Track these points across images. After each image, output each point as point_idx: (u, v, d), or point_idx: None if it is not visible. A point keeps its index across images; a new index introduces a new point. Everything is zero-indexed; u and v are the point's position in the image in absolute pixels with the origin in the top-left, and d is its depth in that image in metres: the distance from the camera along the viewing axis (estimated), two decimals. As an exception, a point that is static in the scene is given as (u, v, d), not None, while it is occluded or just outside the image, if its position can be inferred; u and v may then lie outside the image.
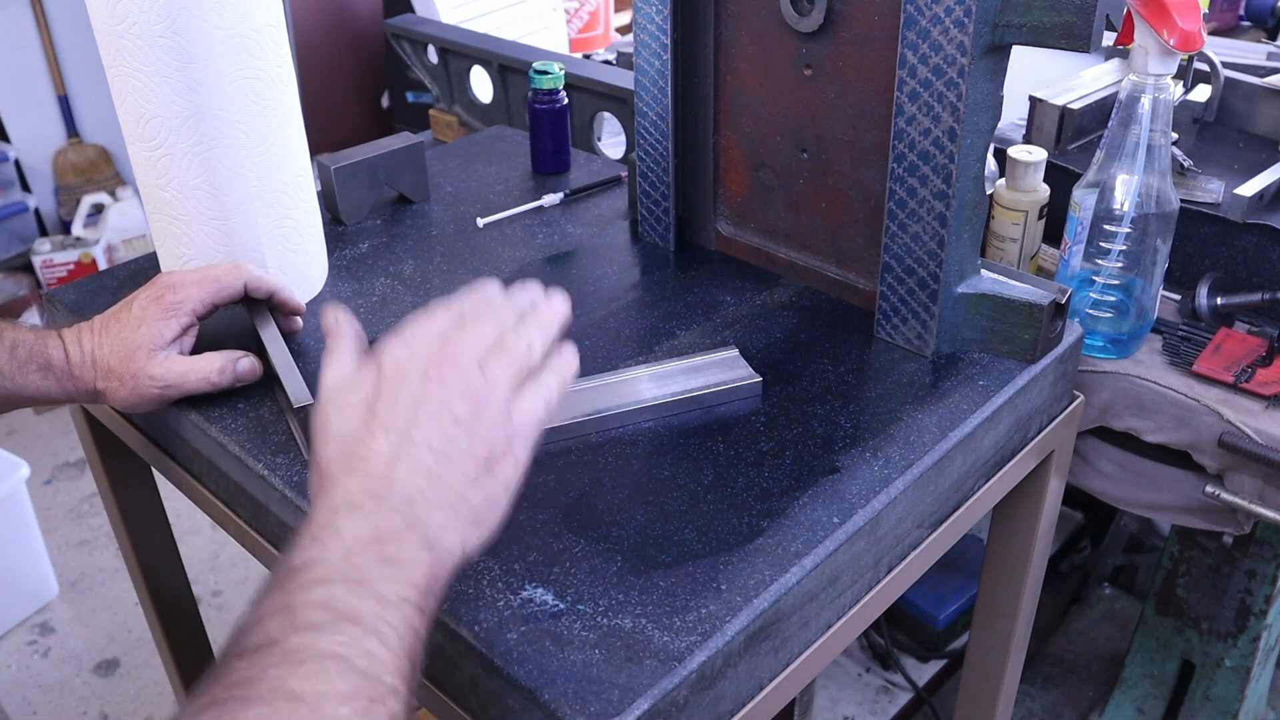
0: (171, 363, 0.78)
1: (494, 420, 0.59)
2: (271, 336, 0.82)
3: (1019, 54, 0.77)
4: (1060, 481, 0.96)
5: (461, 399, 0.59)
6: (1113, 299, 0.95)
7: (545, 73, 1.16)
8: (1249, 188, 1.00)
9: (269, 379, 0.83)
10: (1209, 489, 0.95)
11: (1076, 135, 1.15)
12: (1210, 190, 1.03)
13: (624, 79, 1.37)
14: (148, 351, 0.77)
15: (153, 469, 0.98)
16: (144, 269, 1.00)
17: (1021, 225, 1.02)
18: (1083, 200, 0.93)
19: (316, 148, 0.98)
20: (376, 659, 0.49)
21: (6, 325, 0.78)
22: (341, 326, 0.63)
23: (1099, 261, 0.94)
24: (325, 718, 0.46)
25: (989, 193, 0.97)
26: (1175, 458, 0.98)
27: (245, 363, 0.81)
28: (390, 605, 0.51)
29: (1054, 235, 1.05)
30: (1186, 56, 1.19)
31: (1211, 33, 1.60)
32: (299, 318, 0.87)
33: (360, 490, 0.55)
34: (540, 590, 0.64)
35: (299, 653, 0.48)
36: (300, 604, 0.50)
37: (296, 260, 0.92)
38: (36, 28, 2.70)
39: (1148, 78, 0.86)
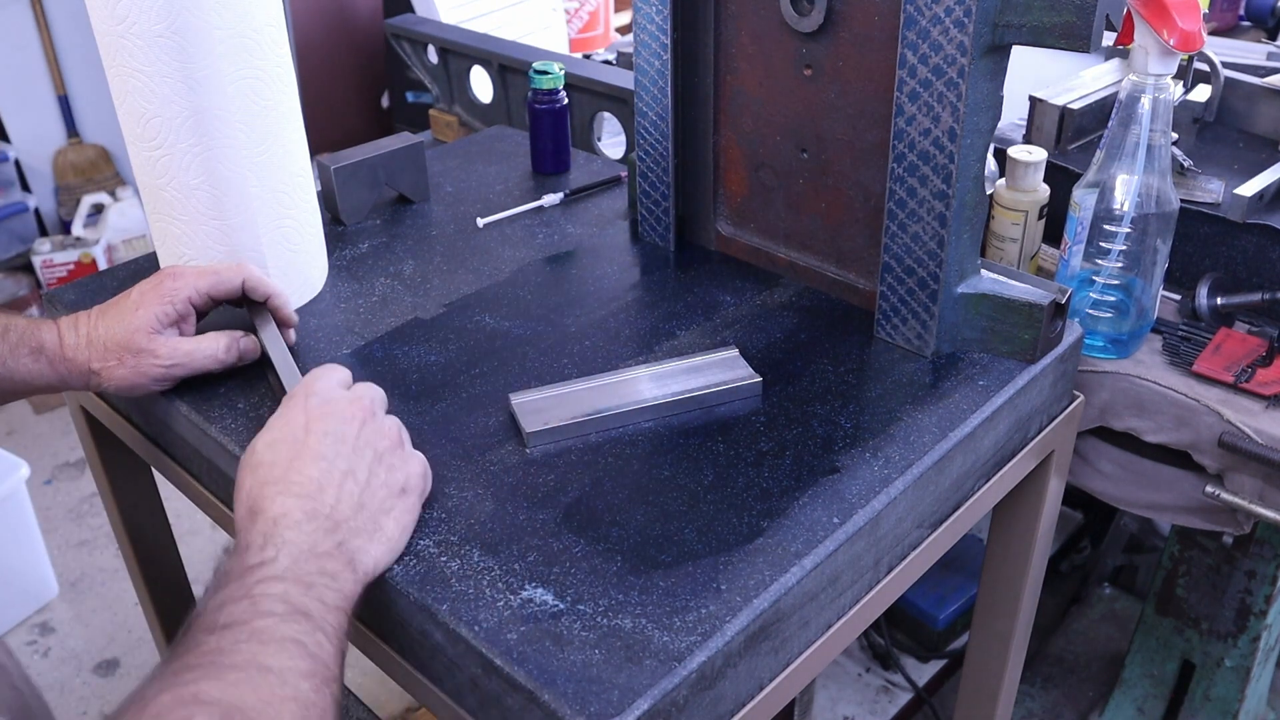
0: (175, 342, 0.79)
1: (405, 456, 0.68)
2: (272, 337, 0.82)
3: (1019, 54, 0.77)
4: (1060, 481, 0.96)
5: (380, 436, 0.67)
6: (1113, 299, 0.95)
7: (545, 73, 1.16)
8: (1249, 188, 1.00)
9: (269, 378, 0.83)
10: (1209, 489, 0.95)
11: (1076, 135, 1.15)
12: (1210, 190, 1.03)
13: (624, 79, 1.37)
14: (147, 333, 0.78)
15: (153, 469, 0.98)
16: (144, 269, 1.00)
17: (1021, 225, 1.02)
18: (1083, 200, 0.93)
19: (316, 148, 0.99)
20: (324, 649, 0.56)
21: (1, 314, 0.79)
22: None
23: (1099, 261, 0.94)
24: (292, 688, 0.52)
25: (989, 193, 0.97)
26: (1175, 458, 0.98)
27: (247, 341, 0.82)
28: (330, 609, 0.58)
29: (1054, 235, 1.05)
30: (1186, 56, 1.19)
31: (1211, 33, 1.60)
32: (292, 330, 0.87)
33: (297, 510, 0.62)
34: (540, 590, 0.64)
35: (265, 633, 0.54)
36: (261, 595, 0.56)
37: (296, 260, 0.92)
38: (36, 28, 2.70)
39: (1148, 78, 0.86)
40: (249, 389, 0.82)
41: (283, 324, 0.85)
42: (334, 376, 0.70)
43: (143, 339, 0.77)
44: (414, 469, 0.68)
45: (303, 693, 0.52)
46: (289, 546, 0.59)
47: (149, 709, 0.48)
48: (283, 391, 0.77)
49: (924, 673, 1.71)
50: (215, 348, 0.80)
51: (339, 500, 0.63)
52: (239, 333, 0.82)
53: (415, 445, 0.75)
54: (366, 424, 0.67)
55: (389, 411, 0.71)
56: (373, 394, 0.70)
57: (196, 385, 0.83)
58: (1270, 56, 1.32)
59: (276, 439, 0.65)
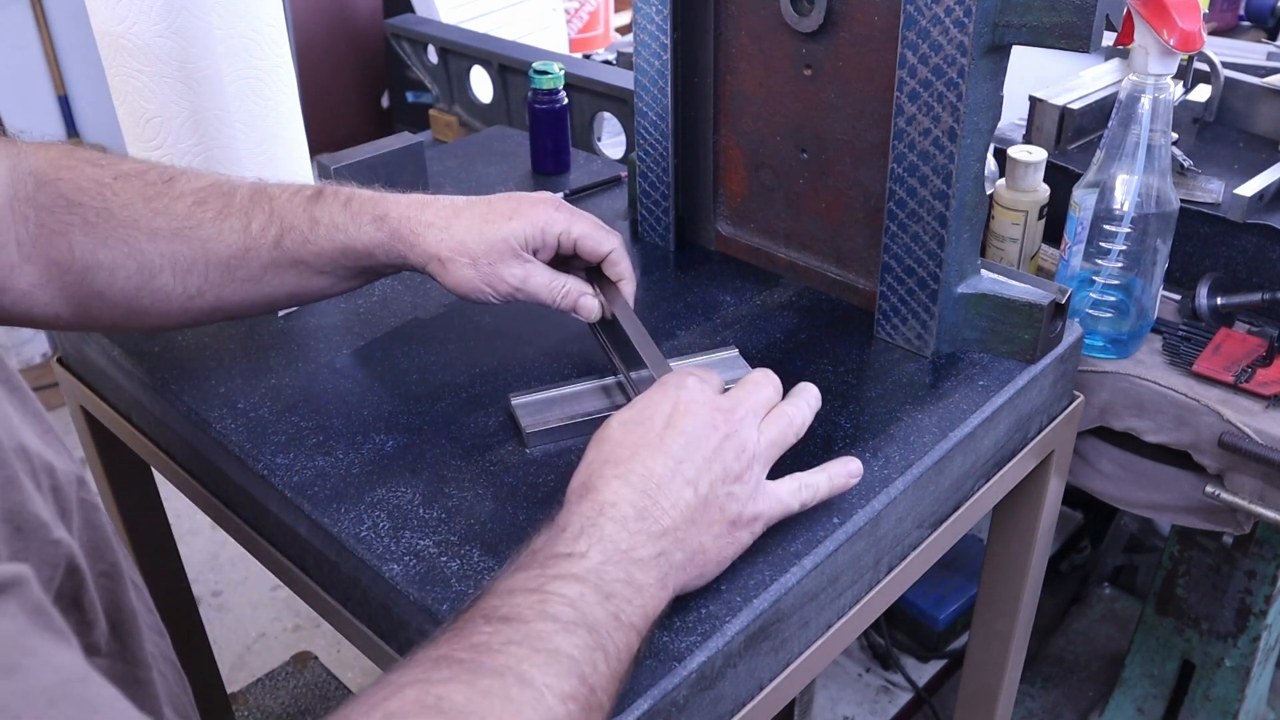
0: (533, 269, 0.76)
1: (753, 488, 0.62)
2: (629, 318, 0.78)
3: (1019, 54, 0.77)
4: (1060, 481, 0.96)
5: (736, 456, 0.61)
6: (1113, 299, 0.95)
7: (545, 73, 1.16)
8: (1249, 188, 1.00)
9: (612, 362, 0.81)
10: (1209, 489, 0.95)
11: (1076, 135, 1.15)
12: (1210, 190, 1.03)
13: (624, 79, 1.37)
14: (513, 250, 0.75)
15: (153, 469, 0.98)
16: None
17: (1021, 225, 1.02)
18: (1083, 200, 0.93)
19: (316, 148, 0.98)
20: (599, 673, 0.51)
21: (343, 186, 0.77)
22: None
23: (1099, 261, 0.94)
24: (547, 709, 0.47)
25: (989, 193, 0.97)
26: (1175, 458, 0.98)
27: (592, 300, 0.78)
28: (622, 626, 0.53)
29: (1054, 235, 1.05)
30: (1186, 56, 1.19)
31: (1211, 33, 1.60)
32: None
33: (629, 503, 0.57)
34: (540, 590, 0.64)
35: (540, 640, 0.49)
36: (553, 593, 0.52)
37: (296, 260, 0.92)
38: (36, 28, 2.70)
39: (1148, 78, 0.86)
40: (249, 389, 0.82)
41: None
42: (711, 377, 0.66)
43: (507, 254, 0.74)
44: (753, 510, 0.62)
45: (556, 717, 0.48)
46: (604, 543, 0.55)
47: (392, 701, 0.45)
48: (630, 377, 0.76)
49: (924, 673, 1.71)
50: (563, 283, 0.76)
51: (672, 506, 0.58)
52: (587, 287, 0.78)
53: (415, 445, 0.76)
54: (729, 439, 0.62)
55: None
56: (750, 404, 0.64)
57: (196, 384, 0.83)
58: (1270, 56, 1.32)
59: (633, 420, 0.62)
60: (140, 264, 0.71)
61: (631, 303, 0.80)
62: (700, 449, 0.60)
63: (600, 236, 0.78)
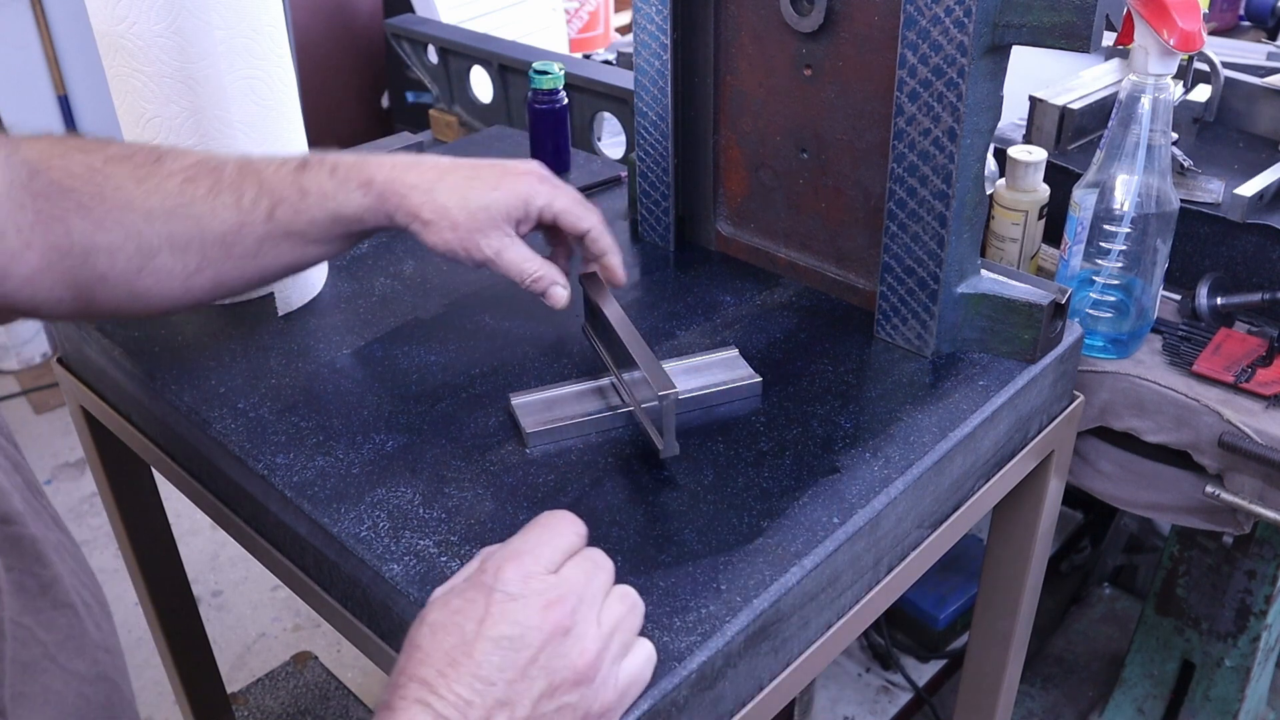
0: (510, 243, 0.76)
1: (604, 682, 0.54)
2: (619, 319, 0.78)
3: (1019, 54, 0.77)
4: (1060, 481, 0.96)
5: (567, 662, 0.52)
6: (1113, 299, 0.95)
7: (545, 73, 1.16)
8: (1249, 188, 1.00)
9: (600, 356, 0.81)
10: (1209, 489, 0.95)
11: (1076, 135, 1.15)
12: (1210, 190, 1.03)
13: (624, 79, 1.37)
14: (492, 219, 0.75)
15: (153, 469, 0.98)
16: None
17: (1021, 225, 1.02)
18: (1083, 200, 0.93)
19: (316, 148, 0.98)
20: None
21: (328, 154, 0.77)
22: None
23: (1099, 261, 0.94)
24: None
25: (989, 193, 0.97)
26: (1175, 458, 0.98)
27: (559, 290, 0.78)
28: None
29: (1054, 235, 1.05)
30: (1186, 56, 1.19)
31: (1211, 33, 1.60)
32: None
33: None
34: (540, 590, 0.64)
35: None
36: None
37: (296, 260, 0.92)
38: (36, 28, 2.70)
39: (1148, 78, 0.86)
40: (249, 389, 0.82)
41: (610, 283, 0.83)
42: (556, 543, 0.56)
43: (487, 224, 0.75)
44: (602, 708, 0.53)
45: None
46: None
47: None
48: (623, 379, 0.76)
49: (924, 673, 1.71)
50: (535, 269, 0.77)
51: None
52: (559, 275, 0.78)
53: (415, 445, 0.76)
54: (554, 640, 0.52)
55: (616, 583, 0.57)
56: (587, 589, 0.54)
57: (196, 384, 0.83)
58: (1270, 56, 1.32)
59: (444, 624, 0.52)
60: (139, 245, 0.71)
61: (620, 273, 0.81)
62: (518, 660, 0.51)
63: (580, 213, 0.79)
